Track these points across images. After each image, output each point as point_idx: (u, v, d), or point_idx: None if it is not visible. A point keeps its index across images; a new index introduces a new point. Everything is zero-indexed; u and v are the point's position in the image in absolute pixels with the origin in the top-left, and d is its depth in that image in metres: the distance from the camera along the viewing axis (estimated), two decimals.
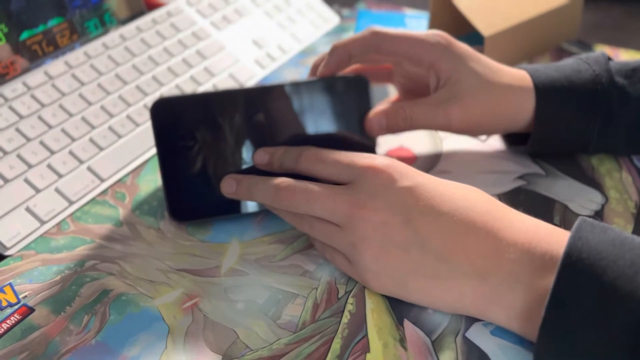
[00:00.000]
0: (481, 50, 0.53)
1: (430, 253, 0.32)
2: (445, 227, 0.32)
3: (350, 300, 0.35)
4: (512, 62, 0.56)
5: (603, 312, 0.26)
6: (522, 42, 0.57)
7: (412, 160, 0.46)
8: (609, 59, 0.42)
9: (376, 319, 0.33)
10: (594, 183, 0.42)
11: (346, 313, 0.34)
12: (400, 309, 0.34)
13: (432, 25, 0.60)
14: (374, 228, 0.32)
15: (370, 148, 0.41)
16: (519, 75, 0.41)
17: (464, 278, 0.31)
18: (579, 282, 0.27)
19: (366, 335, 0.33)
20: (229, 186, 0.38)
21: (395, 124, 0.40)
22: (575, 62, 0.42)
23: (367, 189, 0.33)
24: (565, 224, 0.39)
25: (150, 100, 0.50)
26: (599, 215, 0.40)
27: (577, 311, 0.27)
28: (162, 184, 0.39)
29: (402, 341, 0.32)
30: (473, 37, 0.56)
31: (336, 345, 0.32)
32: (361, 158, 0.35)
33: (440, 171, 0.44)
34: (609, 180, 0.42)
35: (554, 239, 0.30)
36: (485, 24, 0.54)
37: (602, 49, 0.59)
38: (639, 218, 0.40)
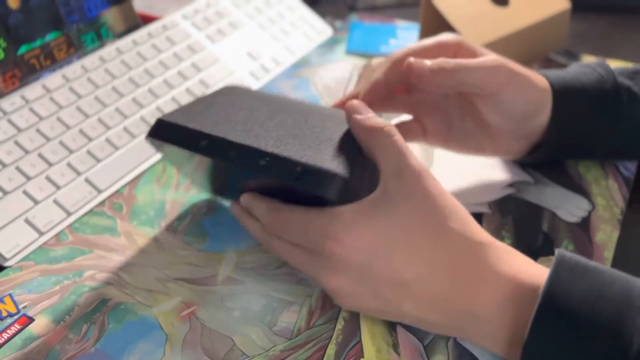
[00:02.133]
0: None
1: (407, 317, 0.32)
2: (414, 296, 0.31)
3: None
4: None
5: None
6: (510, 53, 0.58)
7: None
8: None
9: (370, 325, 0.34)
10: (582, 190, 0.43)
11: (340, 320, 0.35)
12: None
13: (423, 36, 0.61)
14: (343, 295, 0.32)
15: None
16: (536, 73, 0.41)
17: (444, 330, 0.32)
18: (553, 334, 0.27)
19: (360, 341, 0.33)
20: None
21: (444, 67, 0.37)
22: (580, 67, 0.43)
23: (328, 263, 0.32)
24: (553, 231, 0.40)
25: (146, 112, 0.51)
26: (586, 221, 0.41)
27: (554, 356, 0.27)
28: None
29: (395, 346, 0.33)
30: None
31: (330, 351, 0.33)
32: (314, 233, 0.32)
33: None
34: (596, 187, 0.43)
35: (529, 276, 0.30)
36: (474, 35, 0.55)
37: (589, 59, 0.60)
38: (625, 224, 0.41)
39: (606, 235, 0.40)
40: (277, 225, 0.33)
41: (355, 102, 0.34)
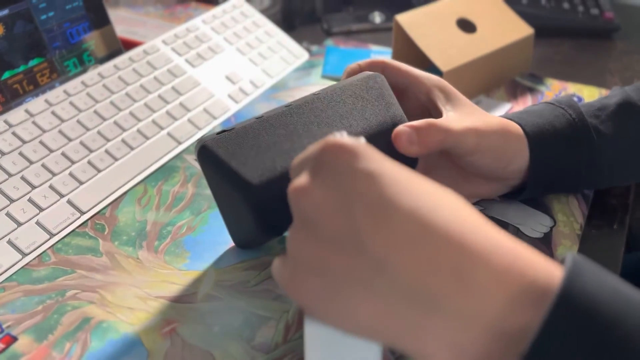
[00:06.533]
0: None
1: (365, 255, 0.24)
2: (394, 226, 0.24)
3: None
4: (470, 96, 0.60)
5: None
6: (478, 77, 0.61)
7: None
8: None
9: None
10: (544, 207, 0.46)
11: None
12: None
13: (395, 60, 0.64)
14: (305, 212, 0.26)
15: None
16: (508, 122, 0.43)
17: (403, 299, 0.24)
18: (572, 337, 0.22)
19: None
20: None
21: (428, 136, 0.39)
22: (551, 107, 0.45)
23: (315, 166, 0.27)
24: None
25: (128, 134, 0.52)
26: (547, 236, 0.43)
27: None
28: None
29: None
30: (432, 71, 0.60)
31: None
32: (322, 141, 0.28)
33: None
34: (557, 204, 0.46)
35: (539, 271, 0.24)
36: (443, 60, 0.58)
37: (552, 83, 0.63)
38: (584, 239, 0.43)
39: (566, 250, 0.42)
40: None
41: None
